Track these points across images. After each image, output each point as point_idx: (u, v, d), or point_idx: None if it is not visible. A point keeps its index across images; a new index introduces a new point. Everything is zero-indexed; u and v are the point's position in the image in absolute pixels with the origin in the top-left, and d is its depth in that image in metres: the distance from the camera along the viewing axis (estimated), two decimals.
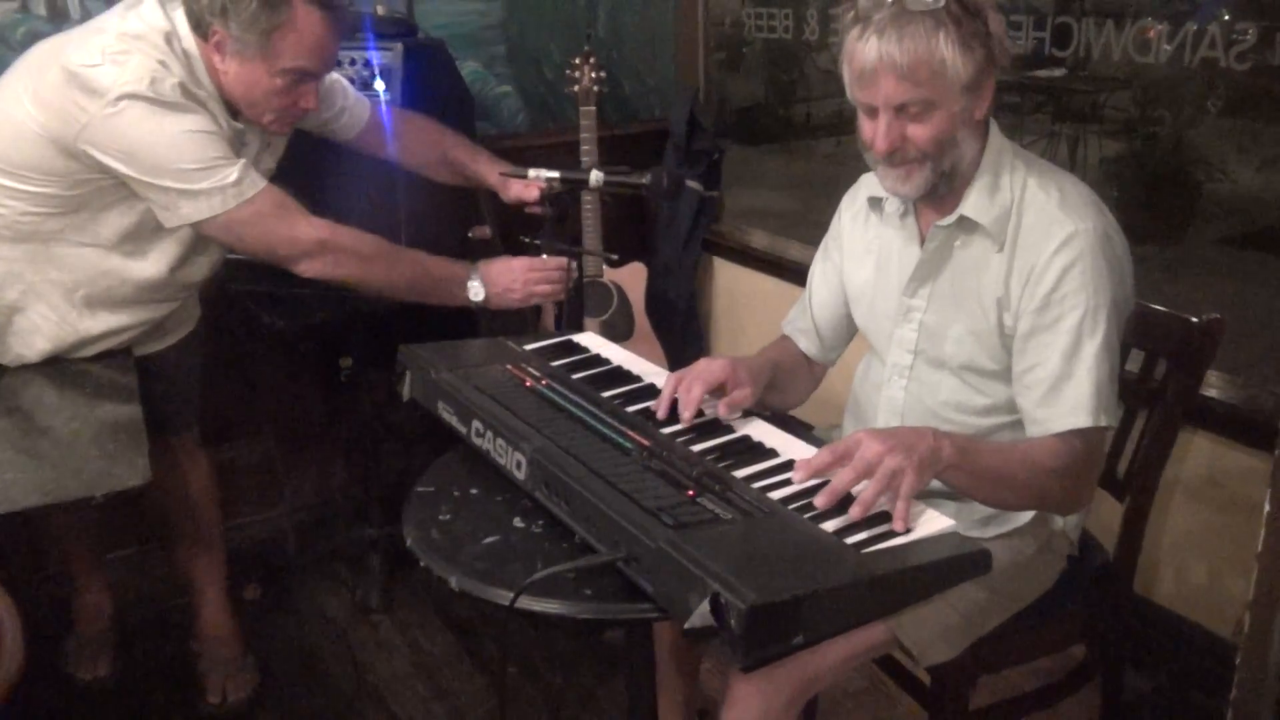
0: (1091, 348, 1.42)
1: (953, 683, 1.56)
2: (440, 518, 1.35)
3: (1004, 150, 1.50)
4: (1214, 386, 2.13)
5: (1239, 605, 1.01)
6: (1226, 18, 2.03)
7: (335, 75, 2.11)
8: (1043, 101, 2.59)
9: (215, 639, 2.34)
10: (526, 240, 1.97)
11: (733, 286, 3.41)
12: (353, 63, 2.32)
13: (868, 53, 1.38)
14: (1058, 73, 2.43)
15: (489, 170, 2.18)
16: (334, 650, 2.47)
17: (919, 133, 1.41)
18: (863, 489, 1.21)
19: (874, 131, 1.44)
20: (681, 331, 3.36)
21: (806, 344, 1.78)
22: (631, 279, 3.11)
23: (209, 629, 2.34)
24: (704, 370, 1.48)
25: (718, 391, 1.49)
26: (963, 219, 1.49)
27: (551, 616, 1.16)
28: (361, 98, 2.16)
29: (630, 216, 3.37)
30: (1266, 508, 1.09)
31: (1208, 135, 2.21)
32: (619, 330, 3.06)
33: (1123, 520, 1.69)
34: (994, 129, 1.51)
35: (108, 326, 1.92)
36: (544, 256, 1.98)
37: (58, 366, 1.89)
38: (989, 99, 1.43)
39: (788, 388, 1.72)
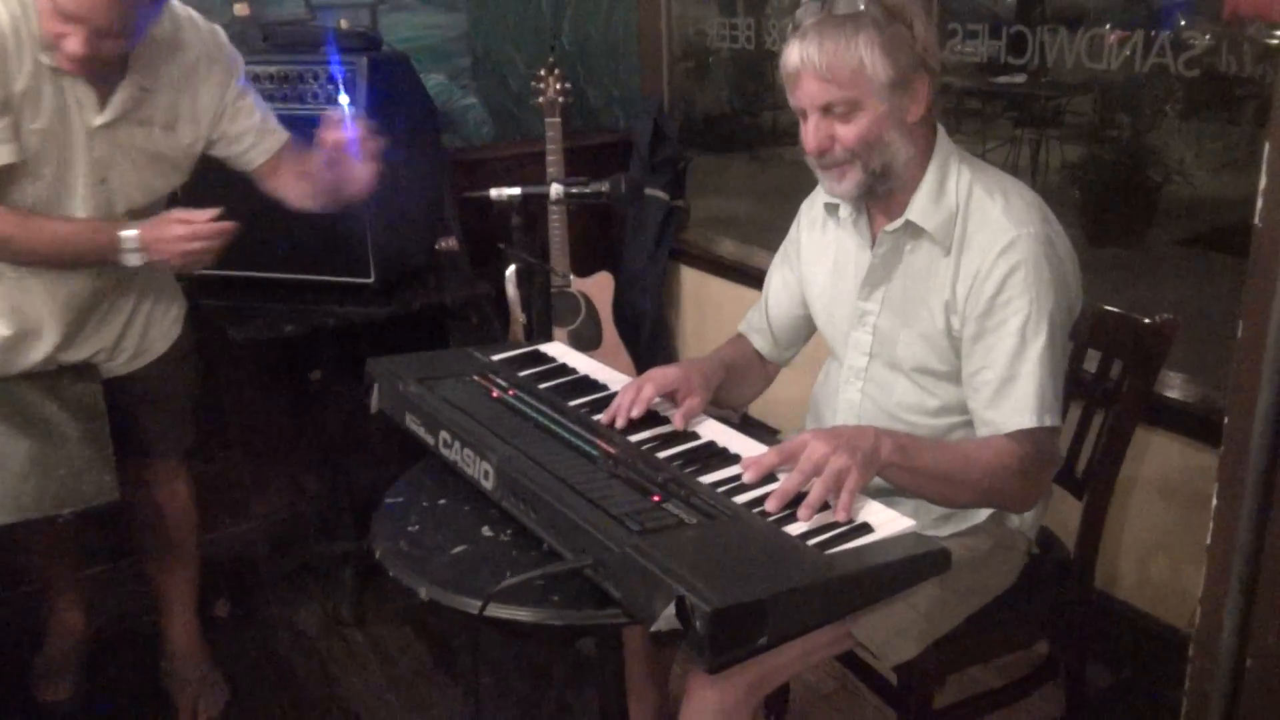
0: (1035, 350, 1.45)
1: (918, 681, 1.59)
2: (409, 529, 1.36)
3: (950, 155, 1.53)
4: (1171, 386, 2.17)
5: (1197, 598, 1.04)
6: (1184, 23, 2.07)
7: (253, 98, 1.97)
8: (1005, 107, 2.63)
9: (185, 657, 2.33)
10: (502, 248, 1.97)
11: (700, 295, 3.43)
12: (316, 77, 2.32)
13: (791, 57, 1.45)
14: (1019, 79, 2.47)
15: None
16: (306, 664, 2.46)
17: (846, 133, 1.46)
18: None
19: (805, 133, 1.49)
20: (649, 340, 3.37)
21: (761, 343, 1.82)
22: (599, 289, 3.12)
23: (179, 647, 2.33)
24: (657, 374, 1.52)
25: (673, 398, 1.51)
26: (909, 224, 1.52)
27: (520, 624, 1.17)
28: (279, 131, 2.00)
29: (597, 227, 3.39)
30: (1214, 502, 1.12)
31: (1165, 139, 2.25)
32: (587, 340, 3.08)
33: (1082, 517, 1.72)
34: (941, 134, 1.54)
35: (44, 323, 1.89)
36: (191, 212, 1.81)
37: (25, 384, 1.88)
38: (923, 102, 1.46)
39: (741, 385, 1.77)
